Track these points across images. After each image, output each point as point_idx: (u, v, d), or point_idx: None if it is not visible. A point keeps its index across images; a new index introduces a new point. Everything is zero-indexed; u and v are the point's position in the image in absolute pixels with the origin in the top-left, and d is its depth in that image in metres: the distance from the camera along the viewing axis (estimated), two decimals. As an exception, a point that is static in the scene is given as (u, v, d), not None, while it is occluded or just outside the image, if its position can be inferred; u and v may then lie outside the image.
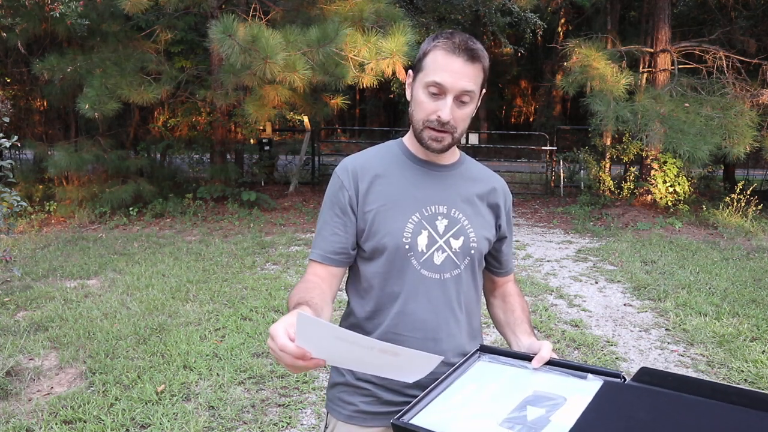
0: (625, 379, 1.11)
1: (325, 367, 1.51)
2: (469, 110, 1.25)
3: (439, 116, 1.21)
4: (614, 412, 1.00)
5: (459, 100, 1.21)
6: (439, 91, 1.21)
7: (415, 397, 1.11)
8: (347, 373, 1.34)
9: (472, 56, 1.19)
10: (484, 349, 1.28)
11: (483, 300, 1.49)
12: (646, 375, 1.08)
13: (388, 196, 1.28)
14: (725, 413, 0.93)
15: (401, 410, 1.07)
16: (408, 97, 1.31)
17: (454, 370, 1.21)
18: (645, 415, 0.97)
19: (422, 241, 1.27)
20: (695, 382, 1.03)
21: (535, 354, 1.20)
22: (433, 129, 1.24)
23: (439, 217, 1.30)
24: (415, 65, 1.28)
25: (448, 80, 1.19)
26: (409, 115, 1.30)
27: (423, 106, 1.23)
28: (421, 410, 1.08)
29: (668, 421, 0.93)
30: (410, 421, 1.04)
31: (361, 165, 1.31)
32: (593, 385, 1.11)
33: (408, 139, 1.36)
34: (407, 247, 1.26)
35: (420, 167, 1.32)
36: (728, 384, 1.02)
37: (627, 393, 1.06)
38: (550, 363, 1.19)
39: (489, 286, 1.51)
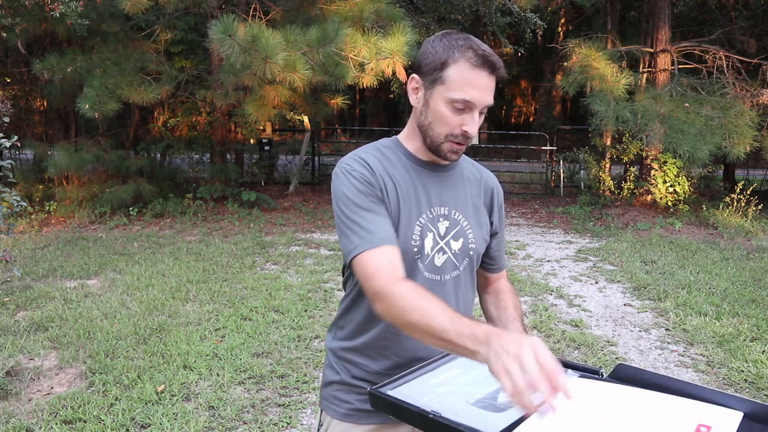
0: (602, 375, 1.13)
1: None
2: (483, 118, 1.26)
3: (465, 131, 1.21)
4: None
5: (479, 112, 1.22)
6: (465, 107, 1.19)
7: None
8: (342, 372, 1.34)
9: (493, 69, 1.19)
10: None
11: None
12: (622, 372, 1.10)
13: (394, 200, 1.27)
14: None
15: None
16: (414, 102, 1.28)
17: (443, 356, 1.25)
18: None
19: (428, 243, 1.27)
20: (670, 382, 1.05)
21: None
22: (455, 142, 1.23)
23: (441, 219, 1.29)
24: (425, 71, 1.23)
25: (477, 97, 1.18)
26: (422, 125, 1.26)
27: (447, 120, 1.21)
28: (399, 385, 1.13)
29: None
30: (386, 392, 1.08)
31: (368, 162, 1.27)
32: (570, 379, 1.13)
33: (406, 140, 1.33)
34: (416, 250, 1.26)
35: (422, 168, 1.31)
36: (703, 386, 1.02)
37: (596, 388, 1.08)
38: None
39: (482, 283, 1.51)
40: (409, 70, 7.66)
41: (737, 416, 0.93)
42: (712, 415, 0.93)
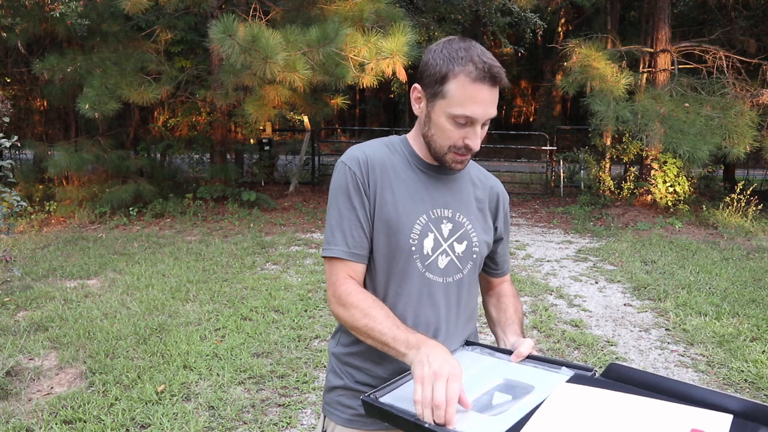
0: (595, 373, 1.14)
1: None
2: (487, 128, 1.25)
3: (468, 145, 1.21)
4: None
5: (482, 123, 1.22)
6: (466, 122, 1.19)
7: None
8: (346, 377, 1.33)
9: (495, 81, 1.17)
10: (469, 343, 1.34)
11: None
12: (614, 371, 1.11)
13: (396, 196, 1.27)
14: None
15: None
16: (417, 112, 1.27)
17: None
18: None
19: (428, 243, 1.27)
20: (661, 381, 1.05)
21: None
22: (458, 153, 1.23)
23: (444, 221, 1.29)
24: (427, 83, 1.22)
25: (479, 112, 1.17)
26: (426, 135, 1.26)
27: (449, 134, 1.21)
28: (392, 390, 1.13)
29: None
30: (379, 399, 1.09)
31: (371, 158, 1.27)
32: (563, 377, 1.14)
33: (414, 141, 1.33)
34: (414, 248, 1.26)
35: (427, 171, 1.31)
36: (694, 384, 1.03)
37: (588, 388, 1.08)
38: (529, 358, 1.23)
39: (485, 286, 1.52)
40: (410, 70, 7.68)
41: (728, 419, 0.94)
42: (703, 418, 0.94)
